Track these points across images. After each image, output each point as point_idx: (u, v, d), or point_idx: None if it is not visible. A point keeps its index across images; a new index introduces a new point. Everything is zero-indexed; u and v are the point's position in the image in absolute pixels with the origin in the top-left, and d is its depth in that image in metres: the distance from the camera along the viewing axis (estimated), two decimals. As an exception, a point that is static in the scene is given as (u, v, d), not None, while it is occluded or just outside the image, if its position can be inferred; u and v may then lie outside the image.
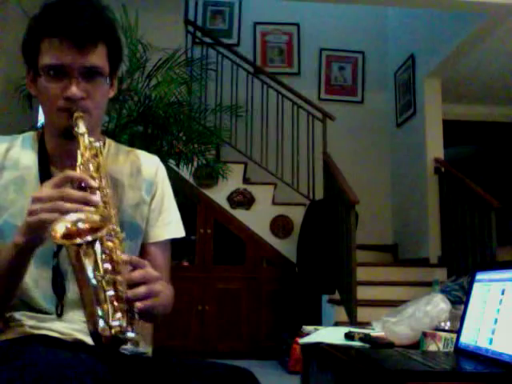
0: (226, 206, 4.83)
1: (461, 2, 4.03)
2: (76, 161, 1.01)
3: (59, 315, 1.03)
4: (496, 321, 1.20)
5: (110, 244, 0.87)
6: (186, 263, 4.78)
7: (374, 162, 5.83)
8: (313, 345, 1.63)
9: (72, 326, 1.03)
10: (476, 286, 1.35)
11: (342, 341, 1.58)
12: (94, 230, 0.84)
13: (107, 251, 0.86)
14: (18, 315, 1.03)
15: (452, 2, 4.12)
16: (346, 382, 1.40)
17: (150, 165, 1.19)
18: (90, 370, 0.81)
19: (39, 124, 3.58)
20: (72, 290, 1.03)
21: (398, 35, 5.77)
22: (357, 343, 1.52)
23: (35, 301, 1.04)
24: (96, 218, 0.85)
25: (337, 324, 3.79)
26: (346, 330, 1.64)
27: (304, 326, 1.89)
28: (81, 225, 0.84)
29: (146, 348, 1.09)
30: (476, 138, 6.05)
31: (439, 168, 4.87)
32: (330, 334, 1.68)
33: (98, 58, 1.02)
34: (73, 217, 0.84)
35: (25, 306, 1.04)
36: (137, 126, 3.44)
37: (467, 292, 1.40)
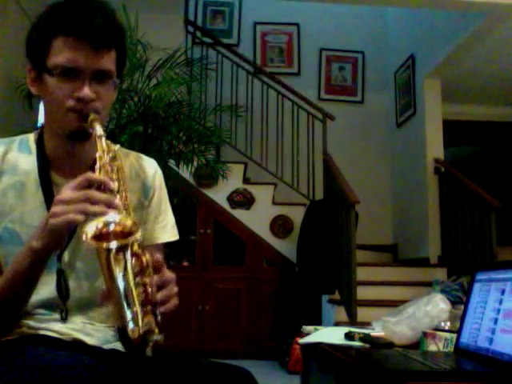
0: (226, 205, 4.82)
1: (461, 1, 4.03)
2: (78, 163, 1.04)
3: (64, 319, 1.02)
4: (496, 321, 1.20)
5: (137, 247, 0.86)
6: (186, 263, 4.78)
7: (374, 161, 5.84)
8: (313, 345, 1.63)
9: (71, 326, 1.03)
10: (476, 286, 1.35)
11: (342, 341, 1.57)
12: (125, 233, 0.84)
13: (136, 254, 0.85)
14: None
15: (452, 2, 4.12)
16: (346, 382, 1.40)
17: (148, 168, 1.18)
18: (89, 370, 0.81)
19: (39, 124, 3.59)
20: (74, 294, 1.03)
21: (398, 35, 5.77)
22: (357, 343, 1.52)
23: (35, 307, 1.02)
24: (129, 222, 0.85)
25: (337, 324, 3.78)
26: (345, 329, 1.64)
27: (304, 326, 1.88)
28: (112, 227, 0.83)
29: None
30: (476, 138, 6.05)
31: (439, 168, 4.87)
32: (330, 334, 1.68)
33: (109, 61, 1.01)
34: (106, 218, 0.84)
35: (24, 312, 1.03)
36: (137, 126, 3.44)
37: (467, 292, 1.39)
